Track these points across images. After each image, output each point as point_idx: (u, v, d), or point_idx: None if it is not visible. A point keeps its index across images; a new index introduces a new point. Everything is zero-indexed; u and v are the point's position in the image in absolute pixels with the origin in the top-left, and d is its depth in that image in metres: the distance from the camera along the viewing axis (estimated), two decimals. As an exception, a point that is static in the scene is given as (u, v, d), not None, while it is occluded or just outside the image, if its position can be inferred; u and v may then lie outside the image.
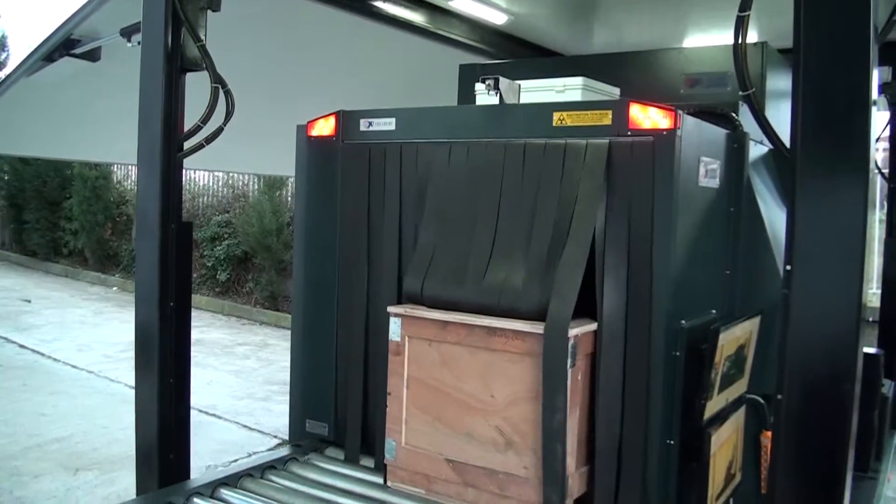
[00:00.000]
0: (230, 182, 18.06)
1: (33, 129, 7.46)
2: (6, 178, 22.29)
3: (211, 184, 18.09)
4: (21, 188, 21.50)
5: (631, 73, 4.88)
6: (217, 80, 4.25)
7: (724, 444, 3.78)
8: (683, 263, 3.55)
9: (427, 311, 3.70)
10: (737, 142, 4.05)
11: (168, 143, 4.15)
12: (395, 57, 6.64)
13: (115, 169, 20.95)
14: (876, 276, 8.44)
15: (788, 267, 2.98)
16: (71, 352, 12.19)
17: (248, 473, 3.91)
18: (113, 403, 9.57)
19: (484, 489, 3.54)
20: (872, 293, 8.18)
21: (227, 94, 4.32)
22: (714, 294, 3.97)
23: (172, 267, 4.17)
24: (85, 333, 13.62)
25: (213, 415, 9.32)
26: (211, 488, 3.73)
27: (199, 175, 18.23)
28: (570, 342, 3.29)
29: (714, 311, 3.89)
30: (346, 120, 4.27)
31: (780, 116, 4.81)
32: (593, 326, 3.51)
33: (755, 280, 4.09)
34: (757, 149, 4.29)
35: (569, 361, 3.30)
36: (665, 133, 3.38)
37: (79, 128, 7.45)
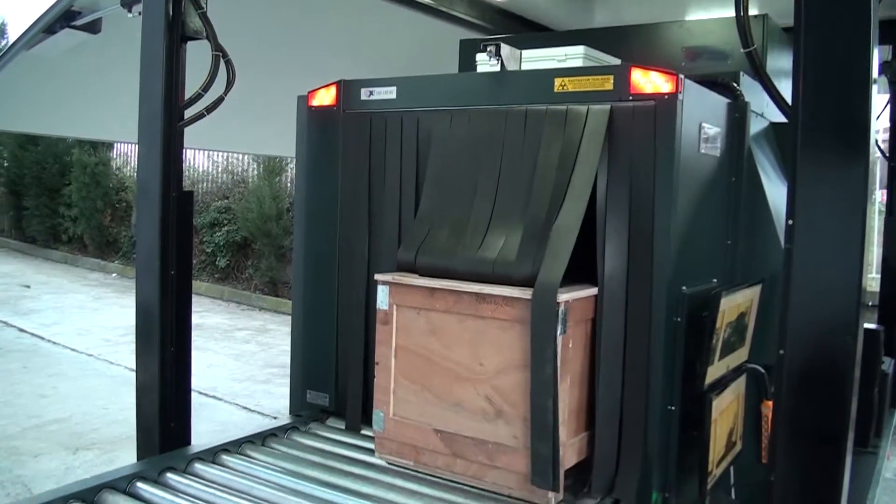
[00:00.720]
0: (230, 168, 18.03)
1: (32, 105, 7.43)
2: (5, 164, 22.23)
3: (210, 170, 18.05)
4: (20, 175, 21.44)
5: (631, 46, 4.87)
6: (218, 49, 4.25)
7: (725, 412, 3.79)
8: (684, 230, 3.55)
9: (415, 279, 3.66)
10: (738, 111, 4.05)
11: (169, 111, 4.14)
12: (396, 33, 6.63)
13: (115, 156, 20.94)
14: (875, 261, 8.46)
15: (788, 246, 2.97)
16: (70, 336, 12.17)
17: (250, 440, 3.92)
18: (113, 385, 9.56)
19: (473, 460, 3.49)
20: (872, 278, 8.19)
21: (228, 63, 4.32)
22: (715, 264, 3.98)
23: (173, 235, 4.16)
24: (84, 318, 13.60)
25: (213, 396, 9.32)
26: (212, 454, 3.74)
27: (198, 162, 18.22)
28: (560, 308, 3.23)
29: (715, 281, 3.89)
30: (347, 89, 4.26)
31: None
32: (588, 292, 3.48)
33: (756, 251, 4.10)
34: (757, 123, 4.30)
35: (559, 328, 3.23)
36: (667, 97, 3.38)
37: (78, 104, 7.42)
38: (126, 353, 10.70)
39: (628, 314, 3.50)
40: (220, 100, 4.30)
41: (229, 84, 4.34)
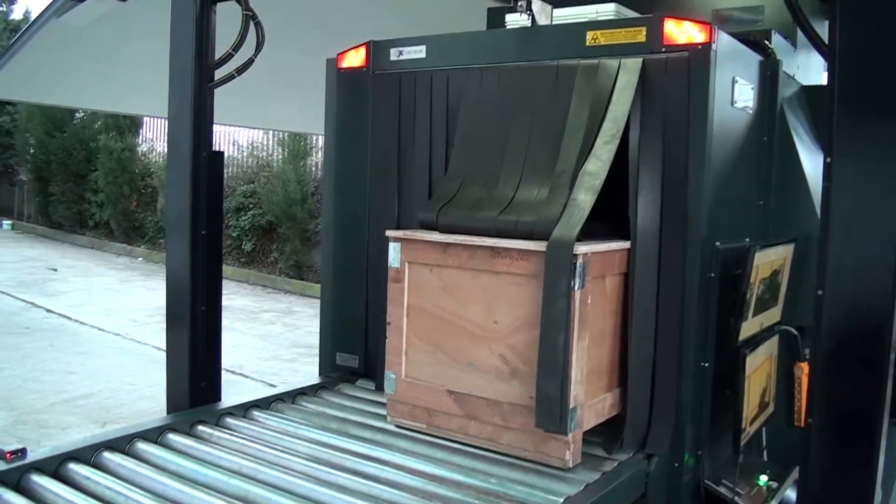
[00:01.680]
0: (255, 153, 18.07)
1: (61, 77, 7.44)
2: (32, 151, 22.38)
3: (236, 154, 18.10)
4: (47, 161, 21.58)
5: (663, 8, 4.83)
6: (248, 9, 4.24)
7: (759, 370, 3.77)
8: (717, 185, 3.52)
9: (427, 234, 3.57)
10: (770, 69, 4.01)
11: (199, 72, 4.14)
12: (424, 2, 6.60)
13: (140, 141, 21.05)
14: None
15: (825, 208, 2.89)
16: (98, 316, 12.25)
17: (280, 398, 3.93)
18: (140, 363, 9.62)
19: (487, 421, 3.36)
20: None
21: (258, 25, 4.32)
22: (747, 223, 3.95)
23: (204, 195, 4.16)
24: (111, 299, 13.69)
25: (240, 374, 9.36)
26: (243, 409, 3.75)
27: (223, 147, 18.26)
28: (579, 261, 3.06)
29: (747, 240, 3.86)
30: (376, 50, 4.25)
31: (811, 65, 4.80)
32: (615, 246, 3.41)
33: (788, 212, 4.08)
34: (789, 86, 4.26)
35: (576, 282, 3.07)
36: (700, 47, 3.35)
37: (106, 76, 7.43)
38: (153, 333, 10.78)
39: (661, 269, 3.46)
40: (249, 61, 4.31)
41: (258, 46, 4.34)
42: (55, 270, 16.38)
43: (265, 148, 17.98)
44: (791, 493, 3.60)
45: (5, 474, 2.83)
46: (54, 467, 2.96)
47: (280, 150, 17.07)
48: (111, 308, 12.90)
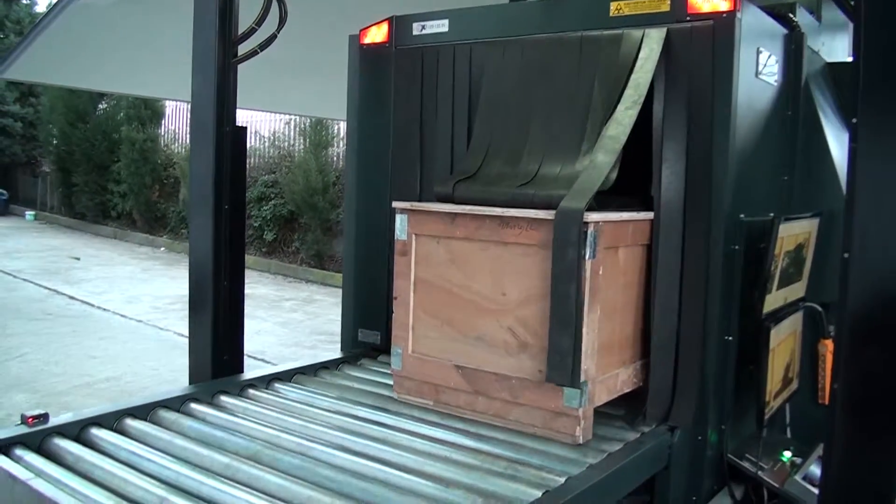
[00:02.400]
0: (276, 143, 18.11)
1: (82, 59, 7.46)
2: (55, 142, 22.53)
3: (257, 145, 18.14)
4: (69, 152, 21.73)
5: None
6: (271, -17, 4.25)
7: (783, 345, 3.74)
8: (742, 157, 3.49)
9: (435, 205, 3.51)
10: (795, 43, 3.97)
11: (222, 48, 4.14)
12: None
13: (163, 132, 21.14)
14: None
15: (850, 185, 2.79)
16: (120, 303, 12.32)
17: (301, 372, 3.94)
18: (163, 349, 9.68)
19: (496, 396, 3.28)
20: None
21: (280, 1, 4.32)
22: (772, 198, 3.92)
23: (227, 170, 4.16)
24: (133, 287, 13.77)
25: (262, 360, 9.37)
26: (265, 381, 3.75)
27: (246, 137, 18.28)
28: (590, 230, 2.99)
29: (772, 215, 3.83)
30: (399, 25, 4.24)
31: (836, 43, 4.76)
32: (624, 216, 3.33)
33: (813, 188, 4.05)
34: (814, 61, 4.22)
35: (587, 251, 2.99)
36: (725, 15, 3.32)
37: (127, 57, 7.43)
38: (175, 320, 10.84)
39: (685, 241, 3.43)
40: (272, 37, 4.30)
41: (281, 22, 4.35)
42: (78, 259, 16.49)
43: (286, 138, 18.01)
44: (815, 469, 3.56)
45: (27, 437, 2.85)
46: (76, 432, 2.98)
47: (302, 141, 17.10)
48: (133, 296, 12.97)
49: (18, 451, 2.77)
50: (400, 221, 3.51)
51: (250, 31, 4.21)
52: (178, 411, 3.31)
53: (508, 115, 3.77)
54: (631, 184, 3.44)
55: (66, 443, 2.88)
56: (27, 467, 2.65)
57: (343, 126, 14.44)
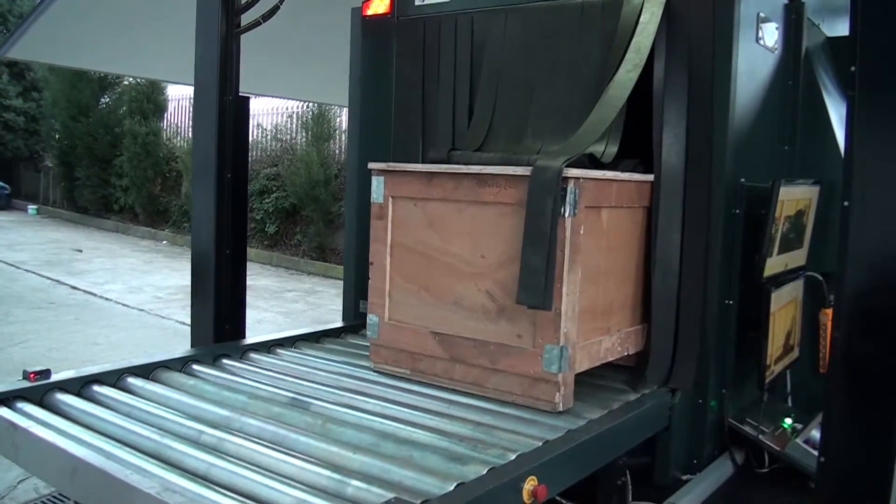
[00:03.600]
0: (278, 136, 18.11)
1: (85, 39, 7.44)
2: (57, 136, 22.54)
3: (259, 137, 18.14)
4: (72, 146, 21.71)
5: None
6: (272, -48, 4.26)
7: (783, 311, 3.74)
8: (743, 121, 3.50)
9: (410, 165, 3.46)
10: (795, 13, 3.98)
11: (226, 18, 4.16)
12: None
13: (165, 126, 21.14)
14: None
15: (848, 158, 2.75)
16: (122, 293, 12.32)
17: (303, 338, 3.95)
18: (164, 337, 9.67)
19: (473, 363, 3.18)
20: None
21: (283, -28, 4.34)
22: (772, 167, 3.92)
23: (230, 141, 4.18)
24: (136, 278, 13.76)
25: (263, 346, 9.38)
26: (267, 347, 3.76)
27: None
28: (570, 185, 2.88)
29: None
30: (401, -5, 4.25)
31: (837, 18, 4.76)
32: (608, 175, 3.19)
33: (814, 158, 4.05)
34: (814, 35, 4.22)
35: (566, 208, 2.89)
36: None
37: (129, 38, 7.43)
38: (177, 309, 10.84)
39: (686, 204, 3.43)
40: (276, 8, 4.32)
41: (285, -8, 4.37)
42: (80, 251, 16.48)
43: (288, 131, 18.01)
44: (816, 433, 3.56)
45: (29, 391, 2.86)
46: (78, 388, 2.99)
47: (304, 134, 17.10)
48: (135, 286, 12.97)
49: (20, 404, 2.79)
50: (376, 183, 3.41)
51: (253, 1, 4.22)
52: (180, 371, 3.33)
53: (511, 85, 3.78)
54: (635, 146, 3.45)
55: (68, 397, 2.90)
56: (28, 417, 2.67)
57: (345, 119, 14.47)
